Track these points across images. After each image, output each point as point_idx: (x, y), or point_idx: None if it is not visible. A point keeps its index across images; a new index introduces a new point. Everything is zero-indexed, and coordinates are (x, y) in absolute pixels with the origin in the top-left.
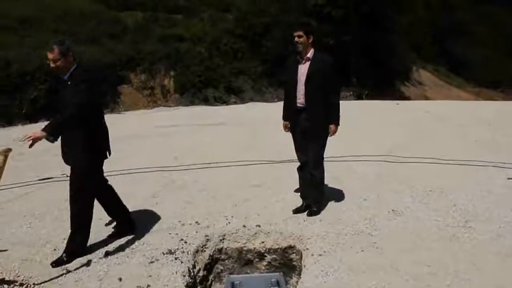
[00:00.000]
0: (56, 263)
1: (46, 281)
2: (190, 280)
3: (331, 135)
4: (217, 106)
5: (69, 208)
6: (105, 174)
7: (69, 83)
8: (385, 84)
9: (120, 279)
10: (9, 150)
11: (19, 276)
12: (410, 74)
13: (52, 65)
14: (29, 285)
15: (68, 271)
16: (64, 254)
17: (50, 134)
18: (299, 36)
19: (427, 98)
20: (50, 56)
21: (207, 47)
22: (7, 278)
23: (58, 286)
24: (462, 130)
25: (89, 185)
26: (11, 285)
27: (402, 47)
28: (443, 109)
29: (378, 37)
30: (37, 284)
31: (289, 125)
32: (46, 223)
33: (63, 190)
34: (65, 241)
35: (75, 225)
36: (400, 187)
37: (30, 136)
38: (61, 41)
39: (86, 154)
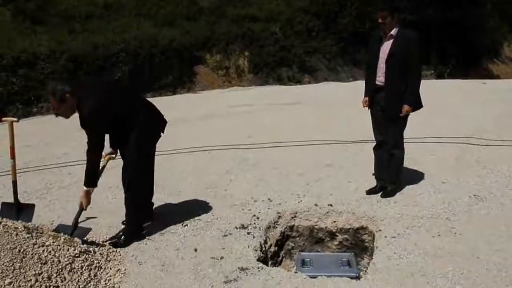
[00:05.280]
0: (113, 245)
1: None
2: (261, 255)
3: (402, 114)
4: (291, 86)
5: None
6: (182, 151)
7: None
8: (470, 61)
9: (196, 250)
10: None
11: (107, 241)
12: (500, 50)
13: (55, 115)
14: (116, 250)
15: (149, 239)
16: (123, 237)
17: (90, 185)
18: (384, 17)
19: None
20: (52, 106)
21: (281, 26)
22: (97, 241)
23: (140, 252)
24: None
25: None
26: (100, 247)
27: (491, 20)
28: None
29: (464, 10)
30: (121, 248)
31: (367, 102)
32: None
33: None
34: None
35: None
36: (483, 171)
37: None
38: (53, 89)
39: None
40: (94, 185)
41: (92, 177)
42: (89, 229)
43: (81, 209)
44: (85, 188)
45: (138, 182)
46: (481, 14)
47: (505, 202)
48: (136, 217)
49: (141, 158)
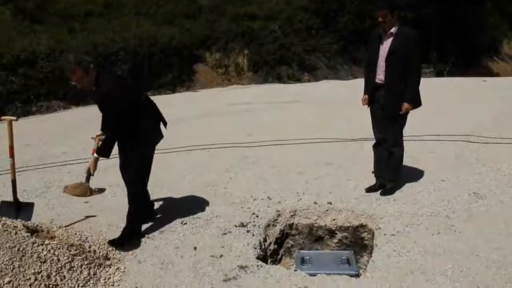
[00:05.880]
0: (112, 243)
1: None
2: (261, 253)
3: (401, 113)
4: (290, 84)
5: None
6: (181, 149)
7: (94, 89)
8: (470, 59)
9: (195, 248)
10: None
11: (106, 239)
12: (500, 48)
13: (78, 86)
14: (115, 248)
15: (148, 237)
16: (120, 239)
17: (102, 155)
18: (384, 16)
19: None
20: (73, 78)
21: (281, 25)
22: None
23: (139, 250)
24: None
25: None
26: (100, 246)
27: (491, 18)
28: None
29: (464, 8)
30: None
31: (367, 100)
32: None
33: None
34: None
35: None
36: (483, 169)
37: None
38: (78, 59)
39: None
40: (104, 156)
41: (104, 149)
42: (104, 189)
43: (89, 174)
44: (95, 155)
45: (137, 182)
46: (481, 12)
47: (505, 199)
48: (138, 215)
49: (142, 159)
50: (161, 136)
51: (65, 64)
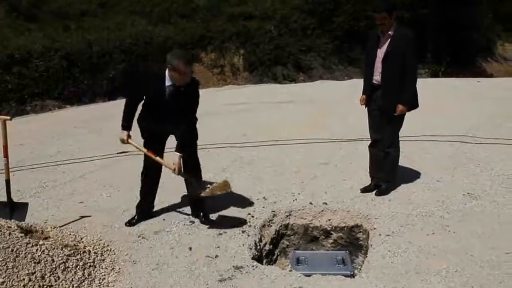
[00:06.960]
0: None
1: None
2: (256, 253)
3: (396, 114)
4: (286, 84)
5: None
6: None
7: (182, 89)
8: (465, 60)
9: (190, 248)
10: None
11: (101, 240)
12: (494, 49)
13: (184, 81)
14: (110, 249)
15: (143, 238)
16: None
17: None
18: (383, 18)
19: None
20: (189, 71)
21: (276, 24)
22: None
23: (134, 251)
24: None
25: None
26: (95, 246)
27: (486, 19)
28: None
29: (459, 9)
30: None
31: (365, 100)
32: (124, 193)
33: (139, 163)
34: None
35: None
36: (477, 169)
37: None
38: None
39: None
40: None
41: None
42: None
43: (182, 172)
44: (179, 154)
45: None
46: (477, 13)
47: (499, 200)
48: None
49: None
50: None
51: (187, 61)
